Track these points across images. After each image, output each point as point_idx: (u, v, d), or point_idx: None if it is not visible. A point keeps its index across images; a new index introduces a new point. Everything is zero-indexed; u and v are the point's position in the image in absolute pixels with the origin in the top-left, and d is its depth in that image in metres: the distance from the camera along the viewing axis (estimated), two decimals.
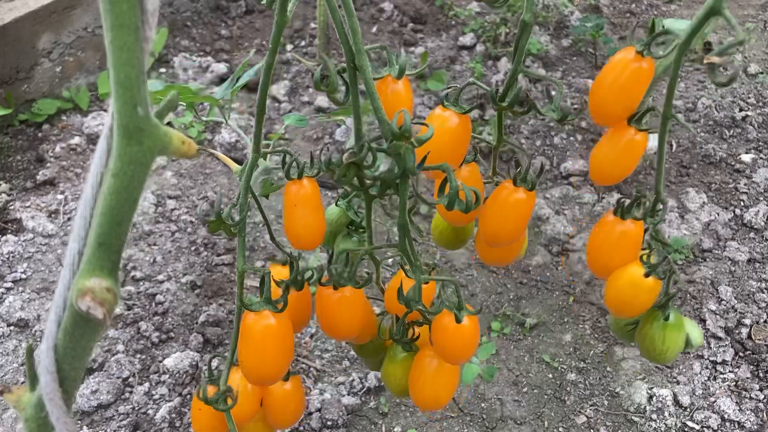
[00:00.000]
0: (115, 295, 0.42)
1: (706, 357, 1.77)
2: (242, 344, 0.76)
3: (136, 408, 1.65)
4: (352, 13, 0.63)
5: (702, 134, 2.35)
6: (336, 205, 0.85)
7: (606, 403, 1.70)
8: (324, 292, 0.77)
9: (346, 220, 0.85)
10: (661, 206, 0.80)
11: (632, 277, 0.79)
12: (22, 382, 1.70)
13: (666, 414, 1.66)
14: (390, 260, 0.83)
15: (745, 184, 2.18)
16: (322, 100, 2.42)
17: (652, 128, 0.76)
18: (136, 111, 0.39)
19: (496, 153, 0.84)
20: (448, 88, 0.77)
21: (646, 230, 0.81)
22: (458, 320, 0.73)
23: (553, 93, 0.77)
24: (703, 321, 1.83)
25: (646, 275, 0.79)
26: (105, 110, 2.40)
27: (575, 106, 2.42)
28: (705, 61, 0.66)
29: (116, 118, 0.40)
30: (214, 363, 0.83)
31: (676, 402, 1.68)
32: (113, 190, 0.41)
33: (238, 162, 2.35)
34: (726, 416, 1.65)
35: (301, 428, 1.62)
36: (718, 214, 2.08)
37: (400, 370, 0.82)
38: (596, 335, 1.83)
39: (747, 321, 1.83)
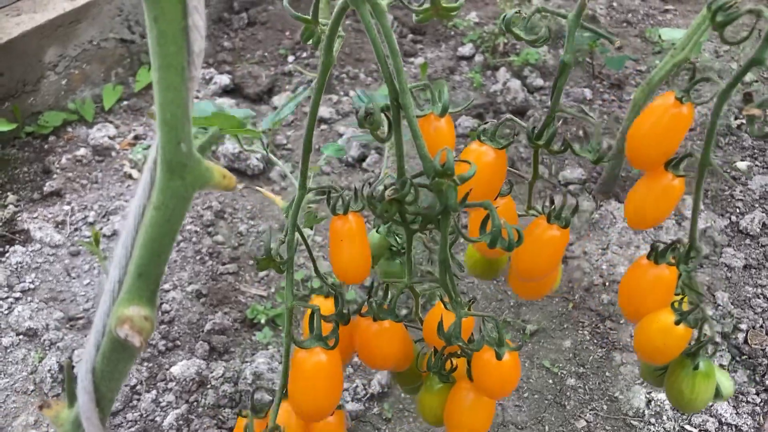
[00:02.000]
0: (152, 323, 0.45)
1: None
2: (293, 381, 0.76)
3: (144, 415, 1.68)
4: (397, 53, 0.64)
5: (698, 142, 2.38)
6: (377, 231, 0.85)
7: (605, 407, 1.73)
8: (363, 322, 0.77)
9: (387, 243, 0.86)
10: (694, 253, 0.80)
11: (662, 323, 0.78)
12: (32, 390, 1.73)
13: (664, 418, 1.70)
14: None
15: (740, 191, 2.21)
16: (323, 111, 2.46)
17: (689, 174, 0.76)
18: (179, 148, 0.41)
19: (531, 189, 0.85)
20: (485, 122, 0.77)
21: (679, 276, 0.80)
22: (499, 357, 0.74)
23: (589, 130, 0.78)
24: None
25: (677, 323, 0.77)
26: (110, 122, 2.43)
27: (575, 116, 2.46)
28: (744, 113, 0.67)
29: (160, 153, 0.42)
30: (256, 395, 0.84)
31: (674, 406, 1.71)
32: (155, 222, 0.43)
33: (242, 172, 2.36)
34: (723, 420, 1.69)
35: None
36: (715, 221, 2.12)
37: (436, 401, 0.83)
38: (595, 341, 1.87)
39: (743, 326, 1.86)
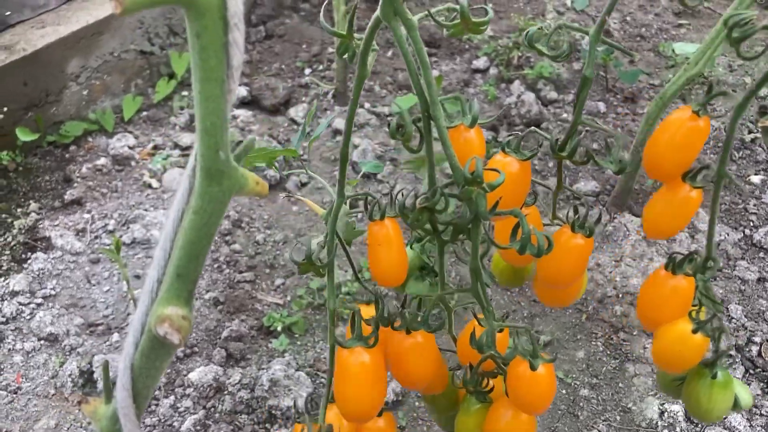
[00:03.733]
0: (190, 322, 0.48)
1: None
2: (337, 382, 0.75)
3: (162, 420, 1.70)
4: (428, 66, 0.66)
5: (712, 156, 2.39)
6: (411, 248, 0.85)
7: (618, 418, 1.74)
8: (396, 337, 0.76)
9: (420, 262, 0.85)
10: (711, 264, 0.81)
11: (680, 333, 0.79)
12: (53, 394, 1.76)
13: (677, 429, 1.70)
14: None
15: (754, 205, 2.22)
16: (339, 123, 2.49)
17: (705, 185, 0.78)
18: (218, 155, 0.44)
19: (555, 198, 0.86)
20: (509, 135, 0.77)
21: (697, 286, 0.81)
22: (533, 368, 0.72)
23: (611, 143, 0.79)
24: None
25: (694, 332, 0.78)
26: (130, 132, 2.47)
27: (587, 129, 2.47)
28: (760, 125, 0.70)
29: (200, 160, 0.45)
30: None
31: (687, 418, 1.72)
32: (193, 225, 0.46)
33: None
34: None
35: None
36: (728, 234, 2.13)
37: (473, 422, 0.81)
38: (608, 352, 1.88)
39: (757, 339, 1.87)
